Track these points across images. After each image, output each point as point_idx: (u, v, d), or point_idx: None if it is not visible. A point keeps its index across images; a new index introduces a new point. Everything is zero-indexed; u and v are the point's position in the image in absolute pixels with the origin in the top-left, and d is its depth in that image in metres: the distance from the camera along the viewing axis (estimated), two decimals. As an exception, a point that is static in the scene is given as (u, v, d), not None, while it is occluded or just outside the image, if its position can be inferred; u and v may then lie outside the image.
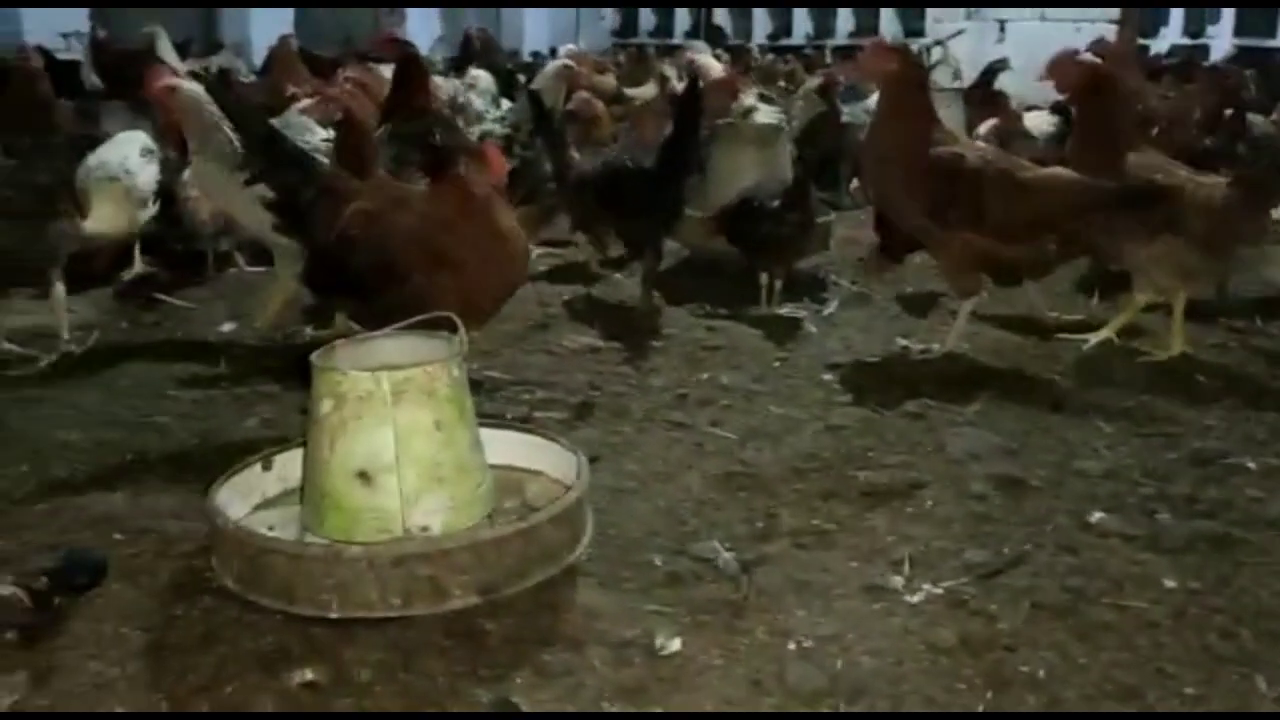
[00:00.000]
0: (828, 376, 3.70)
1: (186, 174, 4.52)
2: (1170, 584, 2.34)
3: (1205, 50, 13.22)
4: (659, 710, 1.92)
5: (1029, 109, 6.81)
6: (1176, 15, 14.42)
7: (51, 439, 3.12)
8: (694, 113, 4.32)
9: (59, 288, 3.84)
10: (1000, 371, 3.77)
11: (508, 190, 4.26)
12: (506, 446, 2.70)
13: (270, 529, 2.40)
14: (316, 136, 4.50)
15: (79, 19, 9.60)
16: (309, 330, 4.16)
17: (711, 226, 4.72)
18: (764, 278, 4.50)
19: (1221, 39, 13.93)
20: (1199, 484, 2.86)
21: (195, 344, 4.07)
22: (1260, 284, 4.53)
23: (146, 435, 3.18)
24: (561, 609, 2.22)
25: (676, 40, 15.97)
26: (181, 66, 6.46)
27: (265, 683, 1.97)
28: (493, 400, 3.38)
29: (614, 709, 1.92)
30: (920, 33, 12.94)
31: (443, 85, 7.11)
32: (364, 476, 2.26)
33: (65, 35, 9.13)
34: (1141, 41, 12.40)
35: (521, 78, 9.69)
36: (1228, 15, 14.05)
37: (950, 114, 5.46)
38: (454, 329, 2.47)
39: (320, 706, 1.93)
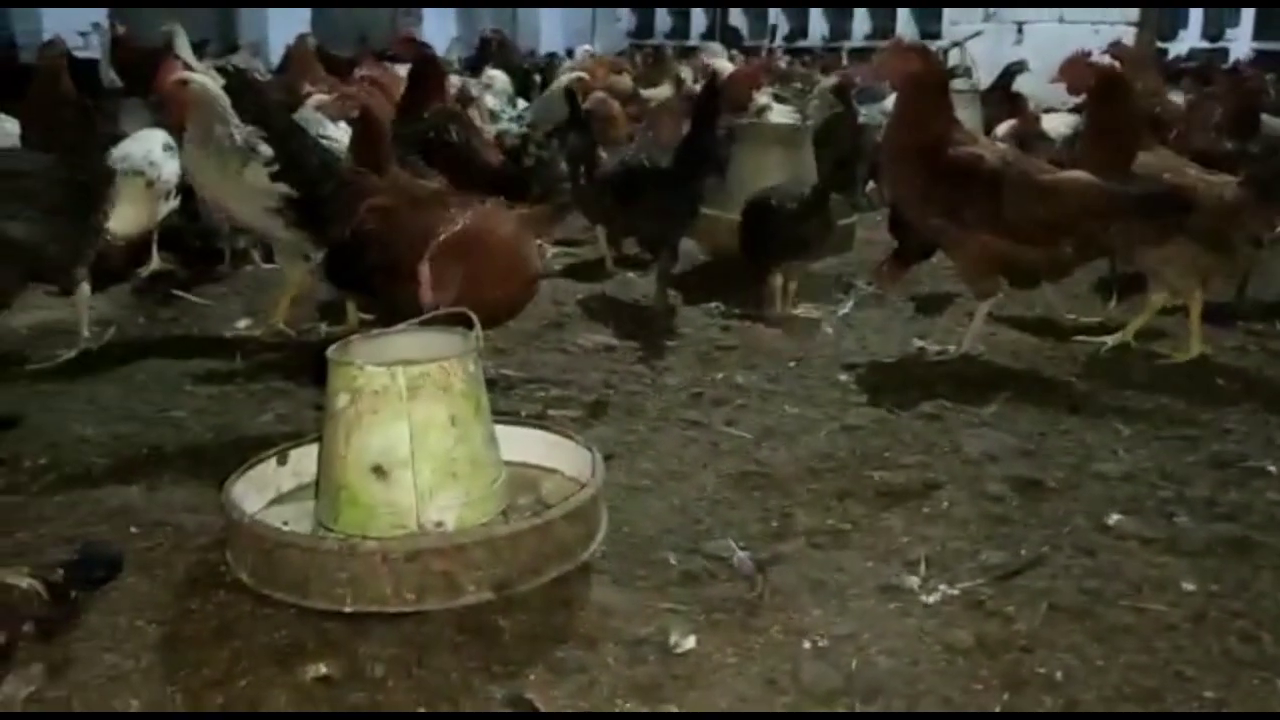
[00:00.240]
0: (844, 377, 3.68)
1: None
2: (1189, 587, 2.32)
3: (1224, 54, 13.17)
4: (673, 708, 1.91)
5: (1047, 110, 6.78)
6: (1196, 18, 14.37)
7: (69, 433, 3.13)
8: (712, 112, 4.31)
9: (84, 287, 3.78)
10: (1017, 373, 3.75)
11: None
12: (521, 443, 2.70)
13: (285, 523, 2.40)
14: (329, 132, 4.52)
15: (98, 18, 9.63)
16: (324, 327, 4.18)
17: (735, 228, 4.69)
18: (777, 279, 4.49)
19: (1241, 42, 13.87)
20: (1218, 487, 2.83)
21: (211, 340, 4.09)
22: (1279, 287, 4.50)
23: (163, 430, 3.18)
24: (576, 606, 2.21)
25: (692, 41, 16.00)
26: (199, 65, 6.48)
27: (279, 677, 1.97)
28: (507, 398, 3.38)
29: (628, 707, 1.91)
30: (937, 35, 12.90)
31: (452, 81, 7.10)
32: (379, 471, 2.26)
33: (83, 34, 9.15)
34: (1160, 45, 12.35)
35: (538, 78, 9.71)
36: (1247, 18, 13.99)
37: (968, 115, 5.44)
38: (470, 325, 2.47)
39: (333, 701, 1.93)
